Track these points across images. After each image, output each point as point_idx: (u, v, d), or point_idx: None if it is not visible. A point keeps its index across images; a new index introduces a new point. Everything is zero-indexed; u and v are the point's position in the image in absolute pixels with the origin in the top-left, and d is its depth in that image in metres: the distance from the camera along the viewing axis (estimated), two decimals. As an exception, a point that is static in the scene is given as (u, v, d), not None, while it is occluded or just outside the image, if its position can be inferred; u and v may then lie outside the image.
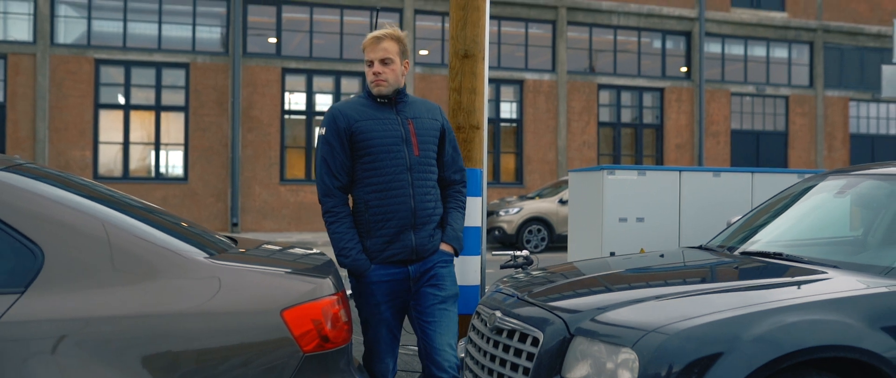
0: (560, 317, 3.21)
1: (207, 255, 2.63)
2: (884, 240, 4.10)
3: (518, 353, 3.27)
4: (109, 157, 18.43)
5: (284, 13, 19.22)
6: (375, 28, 7.06)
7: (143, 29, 18.63)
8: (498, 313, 3.50)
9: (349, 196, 3.47)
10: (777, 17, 22.66)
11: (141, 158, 18.80)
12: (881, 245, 4.07)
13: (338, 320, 2.66)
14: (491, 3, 4.90)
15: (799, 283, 3.46)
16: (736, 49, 22.68)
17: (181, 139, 18.62)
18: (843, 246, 4.36)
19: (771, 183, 6.46)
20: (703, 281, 3.95)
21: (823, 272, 3.56)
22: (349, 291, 3.32)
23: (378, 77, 3.39)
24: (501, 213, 16.34)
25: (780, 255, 3.99)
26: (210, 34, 19.12)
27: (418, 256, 3.41)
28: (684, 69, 22.14)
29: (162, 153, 18.82)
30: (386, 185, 3.34)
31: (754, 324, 2.91)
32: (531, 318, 3.31)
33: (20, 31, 18.01)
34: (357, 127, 3.35)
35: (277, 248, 3.34)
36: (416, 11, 19.67)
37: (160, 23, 18.63)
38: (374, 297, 3.40)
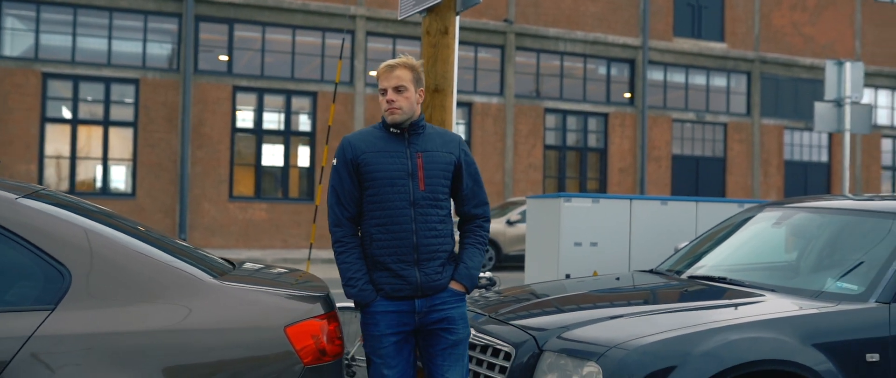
0: (530, 334, 3.54)
1: (213, 277, 2.90)
2: (815, 266, 4.54)
3: (491, 366, 3.59)
4: (55, 172, 18.24)
5: (236, 31, 19.32)
6: (342, 52, 7.23)
7: (93, 43, 18.51)
8: (471, 331, 3.81)
9: (359, 228, 3.40)
10: (717, 47, 23.55)
11: (87, 173, 18.65)
12: (812, 271, 4.51)
13: (333, 336, 2.96)
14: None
15: (740, 305, 3.85)
16: (677, 77, 23.49)
17: (129, 155, 18.53)
18: (779, 271, 4.78)
19: (714, 211, 6.91)
20: (656, 302, 4.33)
21: (761, 295, 3.98)
22: (340, 305, 3.51)
23: (392, 105, 3.30)
24: (450, 233, 16.57)
25: (724, 279, 4.41)
26: (161, 50, 19.10)
27: (424, 293, 3.30)
28: (628, 95, 22.84)
29: (109, 168, 18.70)
30: (388, 219, 3.27)
31: (702, 340, 3.29)
32: (503, 335, 3.64)
33: (-35, 43, 17.80)
34: (363, 158, 3.29)
35: (273, 269, 3.60)
36: (368, 33, 19.96)
37: (110, 38, 18.54)
38: (378, 328, 3.30)
